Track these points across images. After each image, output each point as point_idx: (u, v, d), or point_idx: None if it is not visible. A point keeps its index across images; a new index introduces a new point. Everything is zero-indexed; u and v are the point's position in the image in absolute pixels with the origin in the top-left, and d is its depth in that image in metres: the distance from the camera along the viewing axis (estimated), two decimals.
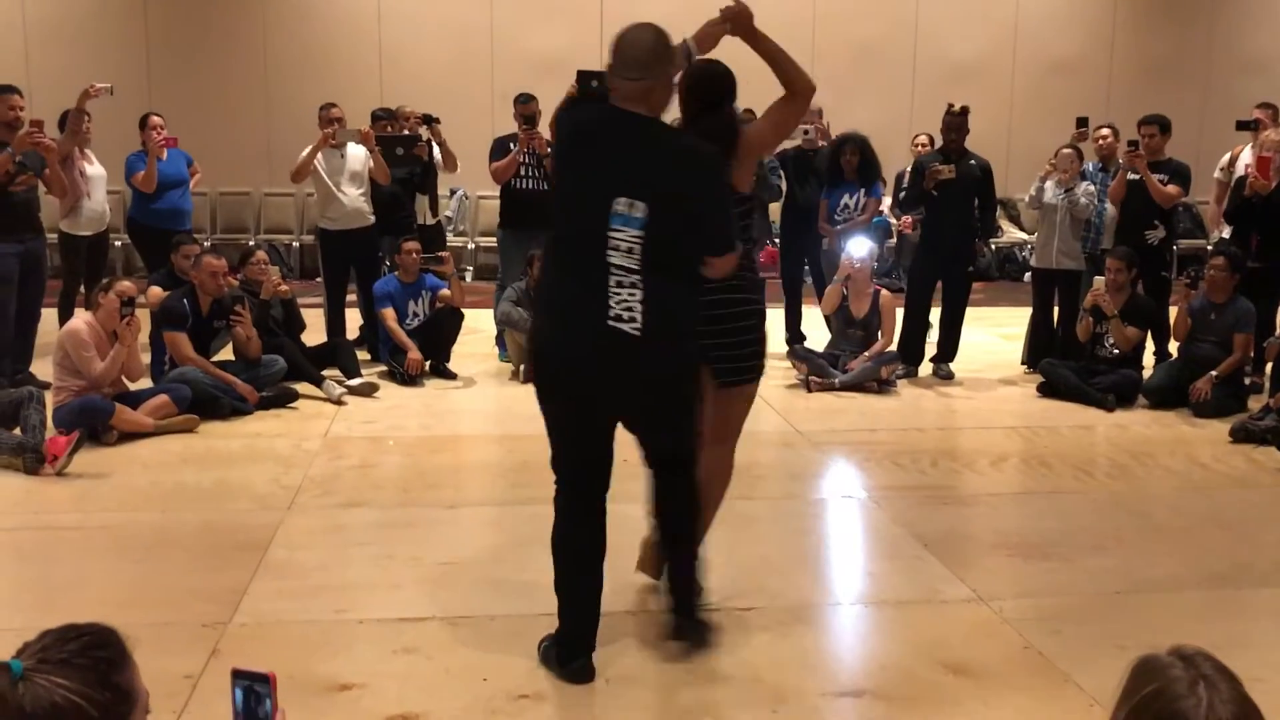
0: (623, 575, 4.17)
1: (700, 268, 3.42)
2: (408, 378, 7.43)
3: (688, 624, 3.73)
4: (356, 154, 7.96)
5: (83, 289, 7.78)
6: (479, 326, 8.72)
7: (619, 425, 3.50)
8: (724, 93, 3.82)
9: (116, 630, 1.59)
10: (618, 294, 3.24)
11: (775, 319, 8.27)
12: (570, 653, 3.49)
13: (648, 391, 3.39)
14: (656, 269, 3.25)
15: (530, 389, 3.52)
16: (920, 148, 9.34)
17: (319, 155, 7.85)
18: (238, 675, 1.77)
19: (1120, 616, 4.00)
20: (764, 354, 3.92)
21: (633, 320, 3.24)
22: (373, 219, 8.06)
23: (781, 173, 8.16)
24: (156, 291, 7.19)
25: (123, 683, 1.55)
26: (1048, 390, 7.33)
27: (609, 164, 3.32)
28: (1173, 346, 7.59)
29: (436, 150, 8.67)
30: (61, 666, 1.50)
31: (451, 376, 7.63)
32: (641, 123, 3.35)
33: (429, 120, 8.66)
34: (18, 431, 5.57)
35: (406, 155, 8.24)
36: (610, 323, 3.24)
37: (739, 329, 3.80)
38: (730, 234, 3.48)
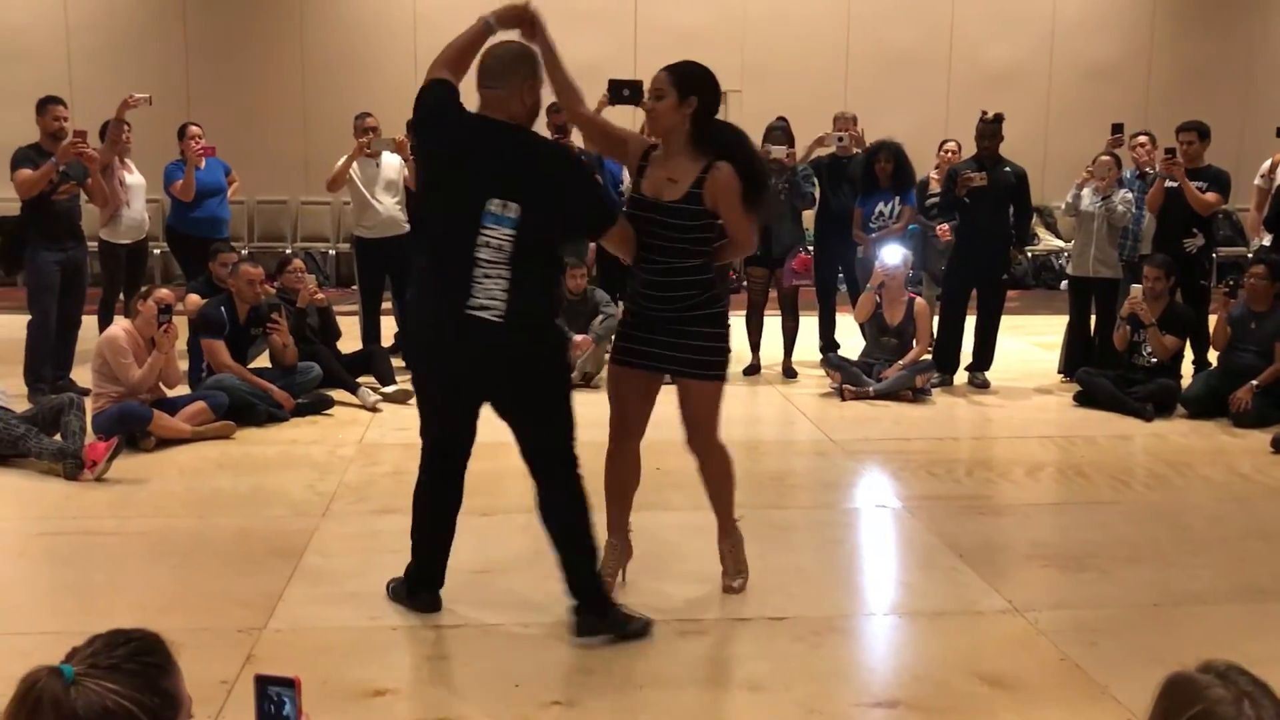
0: (653, 582, 4.17)
1: (557, 258, 3.72)
2: None
3: (601, 621, 3.70)
4: (391, 163, 8.01)
5: (122, 296, 7.88)
6: None
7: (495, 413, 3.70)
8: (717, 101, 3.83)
9: (162, 636, 1.61)
10: (480, 284, 3.48)
11: (809, 326, 8.34)
12: (419, 588, 3.94)
13: (511, 375, 3.58)
14: (522, 262, 3.49)
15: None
16: (950, 154, 9.29)
17: (354, 164, 7.91)
18: (262, 681, 1.77)
19: (1158, 629, 3.96)
20: (727, 356, 3.96)
21: (495, 309, 3.47)
22: (408, 227, 8.10)
23: (815, 180, 8.15)
24: (194, 299, 7.28)
25: (169, 688, 1.56)
26: (1084, 399, 7.26)
27: (482, 168, 3.52)
28: (1212, 355, 7.50)
29: None
30: (111, 672, 1.51)
31: None
32: (507, 129, 3.57)
33: None
34: (58, 437, 5.64)
35: None
36: (469, 311, 3.47)
37: (702, 325, 3.84)
38: (608, 210, 3.73)
